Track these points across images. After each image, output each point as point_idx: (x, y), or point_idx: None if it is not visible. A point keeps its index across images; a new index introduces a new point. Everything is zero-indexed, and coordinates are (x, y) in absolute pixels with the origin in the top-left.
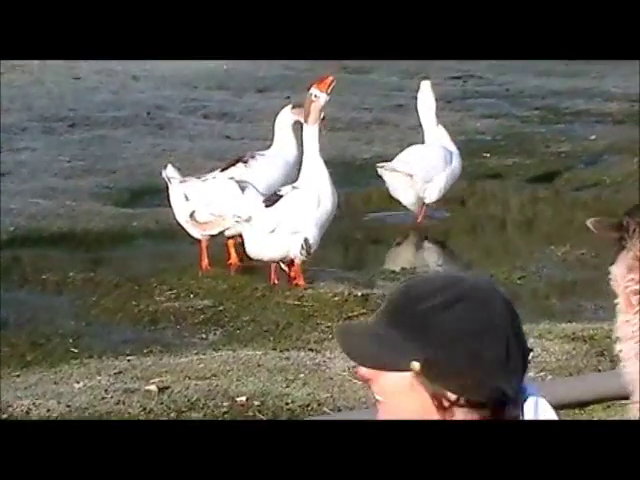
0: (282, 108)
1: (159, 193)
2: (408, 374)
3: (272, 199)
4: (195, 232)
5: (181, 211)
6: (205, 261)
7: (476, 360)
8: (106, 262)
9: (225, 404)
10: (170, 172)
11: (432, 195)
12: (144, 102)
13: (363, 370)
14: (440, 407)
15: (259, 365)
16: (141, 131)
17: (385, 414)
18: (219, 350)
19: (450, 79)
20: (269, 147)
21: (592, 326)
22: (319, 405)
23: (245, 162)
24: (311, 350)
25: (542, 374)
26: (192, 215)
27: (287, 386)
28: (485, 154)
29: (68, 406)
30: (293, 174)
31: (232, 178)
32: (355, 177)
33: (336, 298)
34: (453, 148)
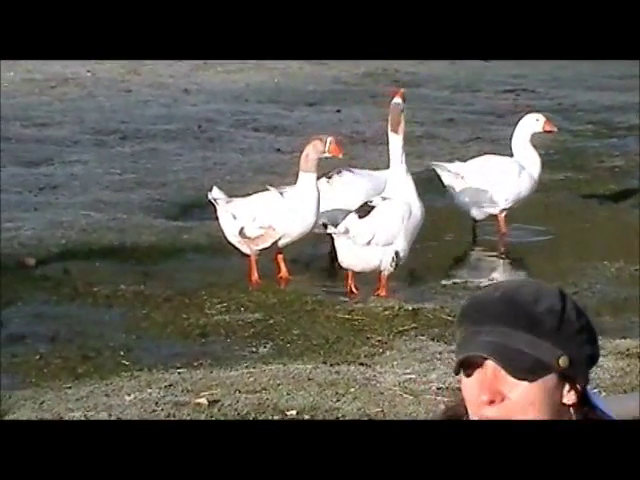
0: (331, 121)
1: (209, 207)
2: (550, 376)
3: (365, 210)
4: (248, 249)
5: (231, 230)
6: (255, 275)
7: (596, 351)
8: (156, 275)
9: (275, 418)
10: (215, 194)
11: (499, 202)
12: (195, 115)
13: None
14: (579, 401)
15: (309, 379)
16: (192, 144)
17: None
18: (269, 364)
19: (502, 92)
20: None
21: None
22: (369, 420)
23: (329, 178)
24: (361, 364)
25: (596, 391)
26: (242, 232)
27: (337, 400)
28: None
29: (119, 419)
30: (379, 187)
31: (273, 189)
32: None
33: (386, 312)
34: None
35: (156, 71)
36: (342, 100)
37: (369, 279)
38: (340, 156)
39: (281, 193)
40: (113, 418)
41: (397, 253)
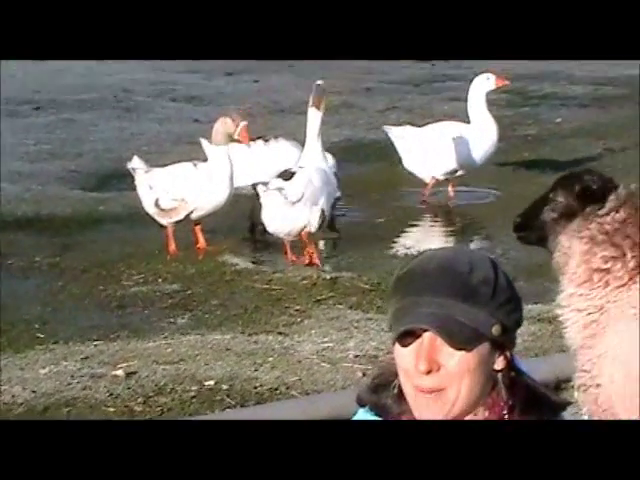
0: (249, 90)
1: (126, 177)
2: (484, 344)
3: (287, 174)
4: (163, 220)
5: (147, 201)
6: (172, 246)
7: (521, 317)
8: (73, 247)
9: (193, 388)
10: (135, 163)
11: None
12: (111, 85)
13: (441, 357)
14: (507, 366)
15: (227, 349)
16: (108, 114)
17: (452, 399)
18: (187, 334)
19: (418, 62)
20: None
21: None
22: (287, 389)
23: (266, 140)
24: (279, 334)
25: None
26: (157, 203)
27: (255, 370)
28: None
29: (34, 392)
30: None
31: (192, 162)
32: None
33: (305, 281)
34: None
35: None
36: (260, 70)
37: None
38: (246, 143)
39: (195, 165)
40: (28, 392)
41: (323, 211)
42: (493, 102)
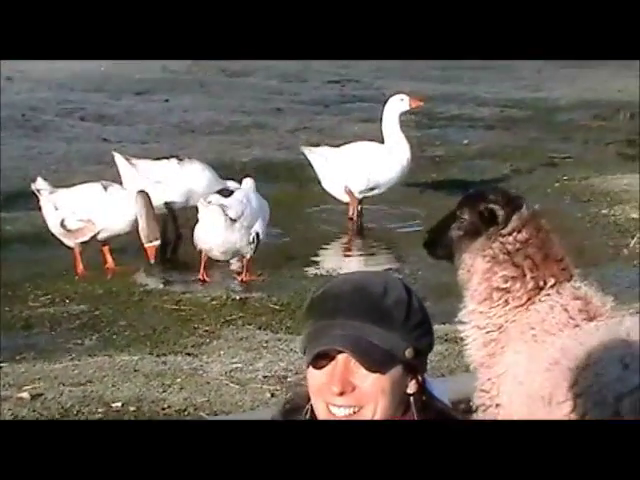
0: (159, 110)
1: (34, 197)
2: (397, 367)
3: (226, 192)
4: (69, 241)
5: (52, 221)
6: (80, 267)
7: (433, 340)
8: None
9: (100, 410)
10: (39, 184)
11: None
12: (18, 104)
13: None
14: (419, 390)
15: (135, 370)
16: (16, 133)
17: (368, 419)
18: (95, 356)
19: (328, 83)
20: (145, 150)
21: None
22: (195, 410)
23: (180, 160)
24: (188, 354)
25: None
26: (62, 223)
27: (164, 391)
28: None
29: None
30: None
31: (100, 182)
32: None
33: (214, 302)
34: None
35: None
36: (171, 89)
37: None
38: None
39: (105, 188)
40: None
41: (257, 235)
42: (402, 123)
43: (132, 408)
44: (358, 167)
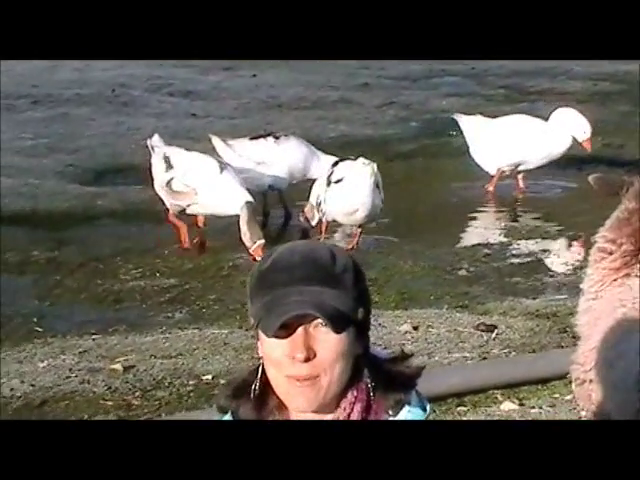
0: (247, 85)
1: (123, 172)
2: (351, 329)
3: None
4: (166, 200)
5: (160, 178)
6: (187, 242)
7: (370, 304)
8: (69, 241)
9: (191, 383)
10: (155, 141)
11: None
12: (108, 80)
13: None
14: (366, 350)
15: (225, 344)
16: (105, 109)
17: (325, 385)
18: (185, 329)
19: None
20: (233, 127)
21: (555, 303)
22: None
23: (277, 138)
24: None
25: (506, 351)
26: (169, 182)
27: (253, 364)
28: (451, 132)
29: (32, 385)
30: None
31: (217, 157)
32: None
33: None
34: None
35: None
36: (257, 64)
37: None
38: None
39: (221, 169)
40: (26, 385)
41: (381, 209)
42: (490, 97)
43: (222, 381)
44: (512, 140)
